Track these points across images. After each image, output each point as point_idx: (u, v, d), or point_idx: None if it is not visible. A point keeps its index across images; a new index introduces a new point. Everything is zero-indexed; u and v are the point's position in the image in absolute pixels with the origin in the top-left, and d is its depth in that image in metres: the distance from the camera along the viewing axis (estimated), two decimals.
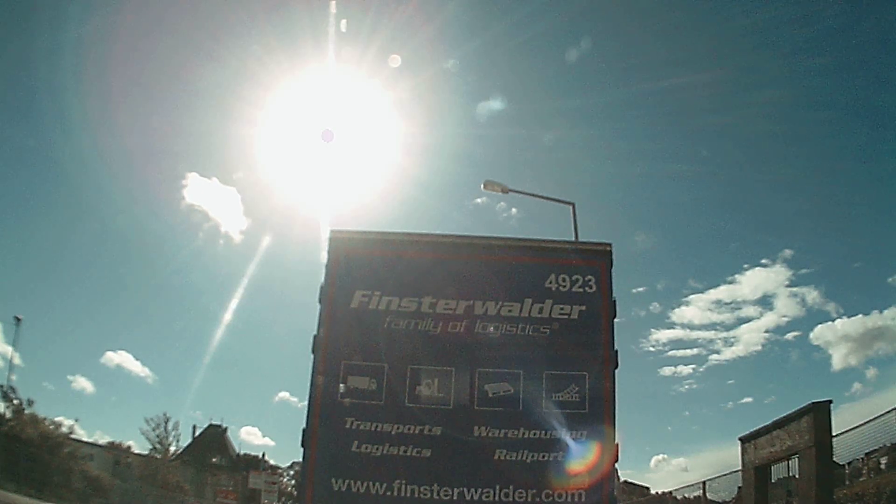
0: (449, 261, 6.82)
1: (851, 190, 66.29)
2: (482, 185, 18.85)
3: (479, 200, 72.19)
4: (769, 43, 60.26)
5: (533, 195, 19.71)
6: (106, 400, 76.22)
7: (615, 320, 6.63)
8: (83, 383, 73.48)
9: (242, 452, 66.30)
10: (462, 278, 6.70)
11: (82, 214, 75.47)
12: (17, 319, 38.28)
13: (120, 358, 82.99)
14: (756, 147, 67.45)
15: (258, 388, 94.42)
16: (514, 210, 76.64)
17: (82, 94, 61.36)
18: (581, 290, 6.62)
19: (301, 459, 6.30)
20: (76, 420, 48.15)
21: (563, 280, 6.64)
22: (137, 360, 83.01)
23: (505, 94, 67.23)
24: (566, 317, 6.53)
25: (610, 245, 6.85)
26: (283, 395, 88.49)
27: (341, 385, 6.36)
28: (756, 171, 66.73)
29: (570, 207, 17.85)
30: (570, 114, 67.86)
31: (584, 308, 6.56)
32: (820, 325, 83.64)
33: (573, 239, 16.63)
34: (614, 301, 6.64)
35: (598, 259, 6.77)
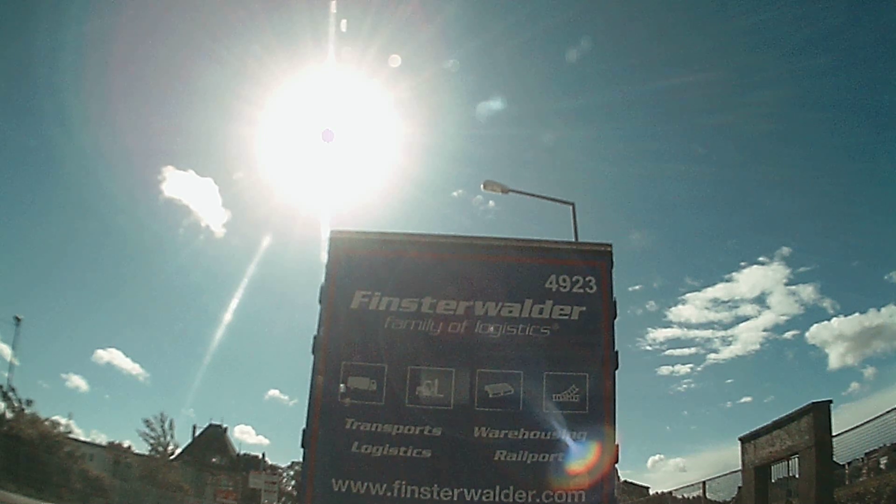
0: (449, 261, 6.81)
1: (850, 188, 66.43)
2: (482, 185, 18.84)
3: (455, 194, 71.68)
4: (769, 43, 60.34)
5: (533, 195, 19.68)
6: (100, 398, 75.94)
7: (615, 321, 6.64)
8: (77, 381, 73.12)
9: (242, 452, 66.32)
10: (462, 279, 6.70)
11: (80, 214, 75.47)
12: (17, 319, 38.35)
13: (110, 355, 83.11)
14: (755, 146, 67.50)
15: (249, 386, 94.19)
16: (491, 203, 76.38)
17: (82, 93, 61.43)
18: (581, 290, 6.62)
19: (300, 459, 6.30)
20: (69, 416, 47.76)
21: (564, 280, 6.64)
22: (128, 357, 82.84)
23: (505, 94, 67.25)
24: (566, 317, 6.53)
25: (610, 245, 6.85)
26: (274, 392, 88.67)
27: (341, 385, 6.36)
28: (755, 170, 66.83)
29: (570, 207, 17.84)
30: (570, 114, 67.79)
31: (584, 309, 6.55)
32: (816, 325, 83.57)
33: (572, 239, 16.64)
34: (615, 301, 6.64)
35: (598, 259, 6.77)
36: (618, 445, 6.23)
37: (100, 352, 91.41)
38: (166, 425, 49.42)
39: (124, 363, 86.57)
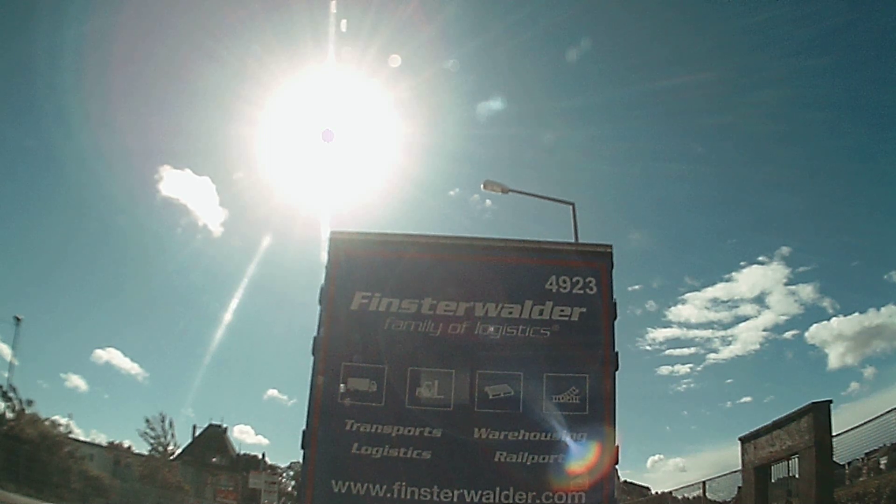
0: (449, 262, 6.81)
1: (850, 188, 66.45)
2: (482, 185, 18.82)
3: (451, 193, 71.44)
4: (769, 43, 60.25)
5: (533, 195, 19.67)
6: (99, 398, 75.85)
7: (615, 321, 6.63)
8: (76, 381, 72.90)
9: (242, 452, 66.33)
10: (462, 280, 6.70)
11: (78, 214, 75.40)
12: (17, 319, 38.33)
13: (108, 355, 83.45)
14: (755, 146, 67.41)
15: (248, 385, 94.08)
16: (487, 202, 76.23)
17: (82, 94, 61.34)
18: (581, 291, 6.61)
19: (300, 460, 6.30)
20: (69, 416, 47.85)
21: (564, 282, 6.64)
22: (126, 356, 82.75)
23: (505, 94, 67.06)
24: (566, 318, 6.53)
25: (610, 247, 6.85)
26: (272, 392, 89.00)
27: (341, 386, 6.35)
28: (755, 169, 66.85)
29: (570, 207, 17.83)
30: (570, 114, 67.78)
31: (584, 310, 6.55)
32: (815, 325, 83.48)
33: (572, 239, 16.65)
34: (615, 303, 6.64)
35: (598, 260, 6.76)
36: (618, 446, 6.23)
37: (98, 351, 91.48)
38: (166, 425, 49.51)
39: (123, 363, 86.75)
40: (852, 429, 14.91)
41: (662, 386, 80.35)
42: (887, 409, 14.06)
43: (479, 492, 6.03)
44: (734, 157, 67.74)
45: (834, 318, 68.38)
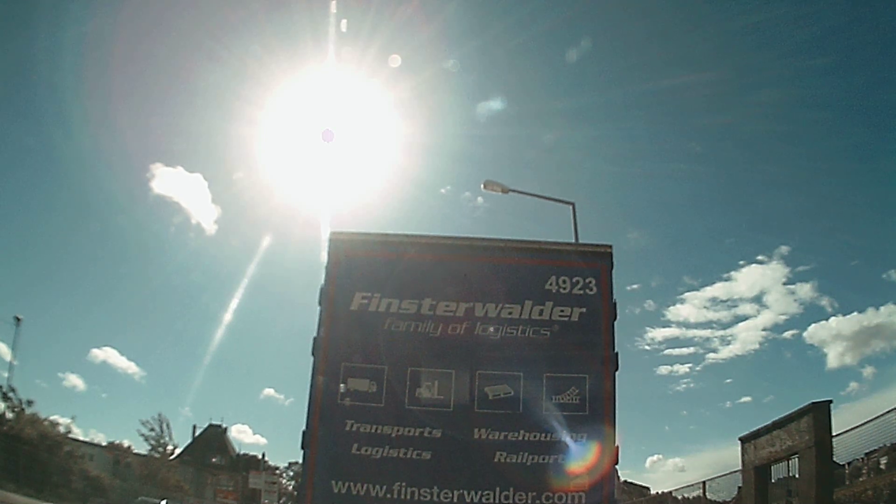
0: (449, 262, 6.81)
1: (849, 188, 66.48)
2: (482, 185, 18.82)
3: (443, 191, 71.25)
4: (769, 43, 60.19)
5: (533, 195, 19.66)
6: (97, 397, 75.70)
7: (615, 322, 6.63)
8: (74, 381, 72.66)
9: (242, 452, 66.33)
10: (462, 280, 6.69)
11: (77, 214, 75.41)
12: (17, 319, 38.37)
13: (105, 354, 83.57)
14: (754, 146, 67.43)
15: (245, 385, 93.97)
16: (479, 199, 76.14)
17: (82, 93, 61.44)
18: (581, 291, 6.61)
19: (300, 460, 6.31)
20: (72, 418, 47.94)
21: (564, 282, 6.64)
22: (123, 355, 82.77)
23: (505, 94, 66.98)
24: (566, 319, 6.53)
25: (610, 247, 6.85)
26: (269, 391, 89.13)
27: (341, 386, 6.36)
28: (754, 169, 66.81)
29: (570, 207, 17.82)
30: (570, 114, 67.79)
31: (584, 310, 6.55)
32: (814, 325, 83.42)
33: (571, 239, 16.65)
34: (615, 303, 6.63)
35: (598, 261, 6.76)
36: (618, 446, 6.23)
37: (95, 350, 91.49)
38: (164, 426, 49.54)
39: (120, 361, 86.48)
40: (852, 429, 14.89)
41: (662, 386, 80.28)
42: (887, 409, 14.03)
43: (479, 492, 6.03)
44: (734, 157, 67.83)
45: (833, 318, 68.44)
